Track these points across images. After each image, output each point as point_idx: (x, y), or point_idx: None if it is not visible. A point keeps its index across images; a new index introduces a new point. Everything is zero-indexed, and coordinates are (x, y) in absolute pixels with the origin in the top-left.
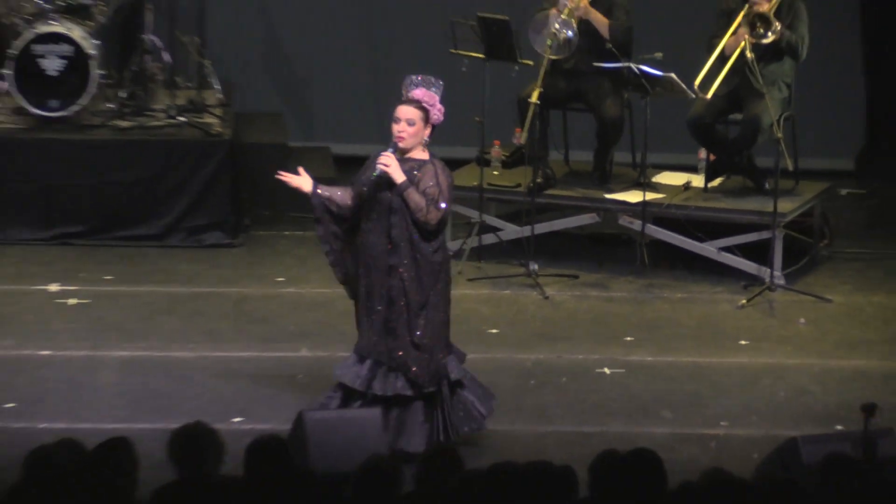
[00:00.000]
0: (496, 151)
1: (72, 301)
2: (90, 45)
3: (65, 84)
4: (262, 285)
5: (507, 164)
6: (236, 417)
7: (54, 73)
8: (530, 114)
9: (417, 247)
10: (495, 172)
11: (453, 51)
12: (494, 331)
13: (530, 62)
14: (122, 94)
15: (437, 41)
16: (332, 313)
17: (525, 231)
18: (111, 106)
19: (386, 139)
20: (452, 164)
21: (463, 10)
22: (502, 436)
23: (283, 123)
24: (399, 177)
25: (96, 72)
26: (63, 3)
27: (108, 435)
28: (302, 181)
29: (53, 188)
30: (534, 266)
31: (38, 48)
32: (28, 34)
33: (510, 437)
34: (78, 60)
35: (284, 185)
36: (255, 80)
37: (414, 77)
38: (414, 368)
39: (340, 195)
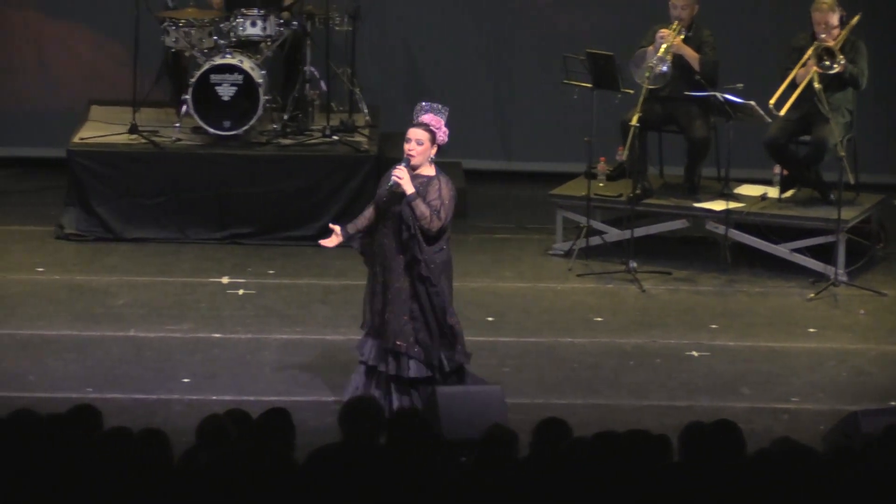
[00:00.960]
0: (602, 166)
1: (240, 291)
2: (258, 75)
3: (236, 108)
4: None
5: (611, 178)
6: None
7: (227, 99)
8: (631, 135)
9: (422, 249)
10: (601, 184)
11: (566, 81)
12: (599, 319)
13: (631, 91)
14: (285, 116)
15: (552, 73)
16: (459, 302)
17: (626, 234)
18: (275, 126)
19: (507, 155)
20: (564, 178)
21: (574, 47)
22: (605, 408)
23: None
24: (409, 188)
25: (263, 97)
26: (235, 40)
27: (270, 406)
28: (337, 240)
29: (226, 195)
30: (633, 264)
31: (214, 77)
32: (206, 65)
33: (612, 409)
34: (248, 88)
35: None
36: (397, 104)
37: (424, 104)
38: (416, 350)
39: (368, 216)
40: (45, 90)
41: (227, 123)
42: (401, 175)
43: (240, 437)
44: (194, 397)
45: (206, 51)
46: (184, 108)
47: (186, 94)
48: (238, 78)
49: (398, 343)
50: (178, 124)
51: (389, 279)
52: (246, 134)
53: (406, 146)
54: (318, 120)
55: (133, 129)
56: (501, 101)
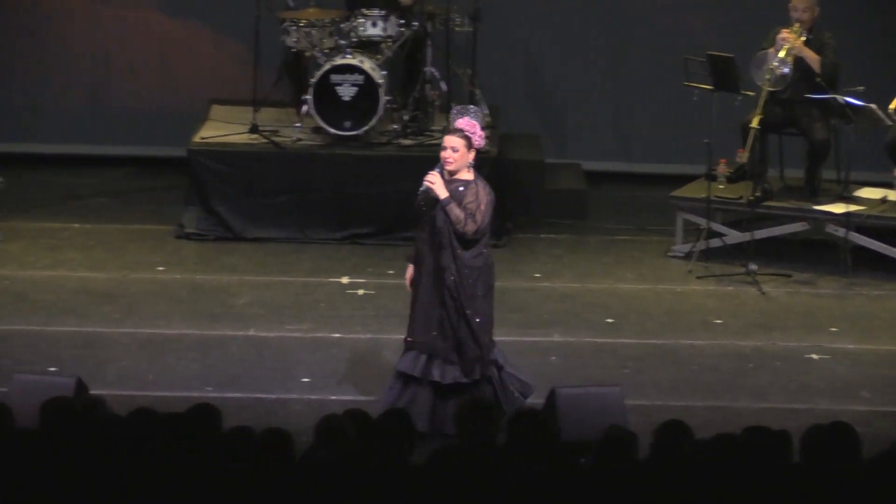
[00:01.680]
0: (722, 168)
1: (360, 291)
2: (379, 76)
3: (357, 108)
4: (521, 279)
5: (731, 180)
6: None
7: (348, 99)
8: (751, 137)
9: (457, 254)
10: (721, 186)
11: (686, 83)
12: (719, 321)
13: (751, 93)
14: (405, 116)
15: (673, 74)
16: (579, 304)
17: (746, 236)
18: (395, 127)
19: (628, 156)
20: (685, 180)
21: (695, 48)
22: (724, 411)
23: (539, 143)
24: (442, 193)
25: (384, 98)
26: (356, 40)
27: (394, 406)
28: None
29: (346, 196)
30: (753, 266)
31: (335, 77)
32: (326, 66)
33: (732, 411)
34: (368, 88)
35: (542, 195)
36: (517, 105)
37: (458, 108)
38: (468, 358)
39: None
40: (165, 90)
41: (347, 123)
42: (433, 180)
43: (359, 438)
44: (313, 397)
45: (326, 51)
46: (304, 107)
47: (307, 94)
48: (359, 78)
49: (431, 343)
50: (298, 124)
51: (427, 283)
52: (366, 134)
53: (442, 154)
54: (438, 120)
55: (253, 129)
56: (621, 103)
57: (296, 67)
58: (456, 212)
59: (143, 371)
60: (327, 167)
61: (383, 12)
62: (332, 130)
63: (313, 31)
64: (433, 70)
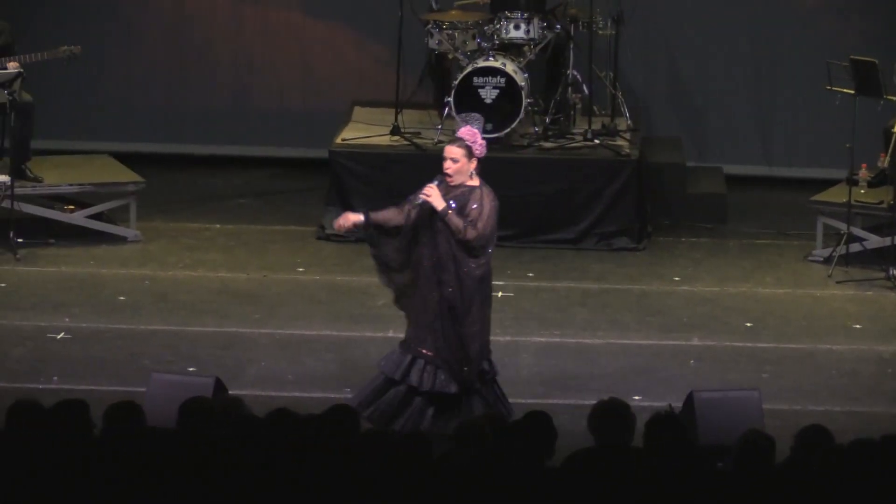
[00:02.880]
0: (863, 173)
1: (499, 294)
2: (521, 78)
3: (498, 110)
4: (660, 283)
5: (872, 184)
6: (636, 396)
7: (490, 101)
8: (893, 142)
9: (460, 263)
10: (862, 191)
11: (828, 87)
12: (858, 326)
13: (894, 98)
14: (547, 119)
15: (815, 78)
16: (718, 308)
17: (886, 241)
18: (537, 129)
19: (768, 160)
20: (825, 184)
21: (838, 53)
22: (863, 416)
23: (681, 146)
24: (439, 204)
25: (525, 100)
26: (498, 42)
27: (528, 409)
28: (354, 217)
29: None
30: (893, 271)
31: (477, 80)
32: (469, 67)
33: (870, 417)
34: (510, 90)
35: (683, 198)
36: (659, 108)
37: (463, 115)
38: (465, 369)
39: (394, 213)
40: (308, 91)
41: (488, 126)
42: (429, 192)
43: (497, 440)
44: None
45: (469, 53)
46: (446, 110)
47: (449, 96)
48: (501, 81)
49: (424, 351)
50: (439, 126)
51: (427, 293)
52: (507, 137)
53: (444, 165)
54: (579, 123)
55: (395, 131)
56: (763, 106)
57: (438, 69)
58: (455, 221)
59: (282, 371)
60: None
61: (526, 15)
62: None
63: (456, 34)
64: (575, 73)
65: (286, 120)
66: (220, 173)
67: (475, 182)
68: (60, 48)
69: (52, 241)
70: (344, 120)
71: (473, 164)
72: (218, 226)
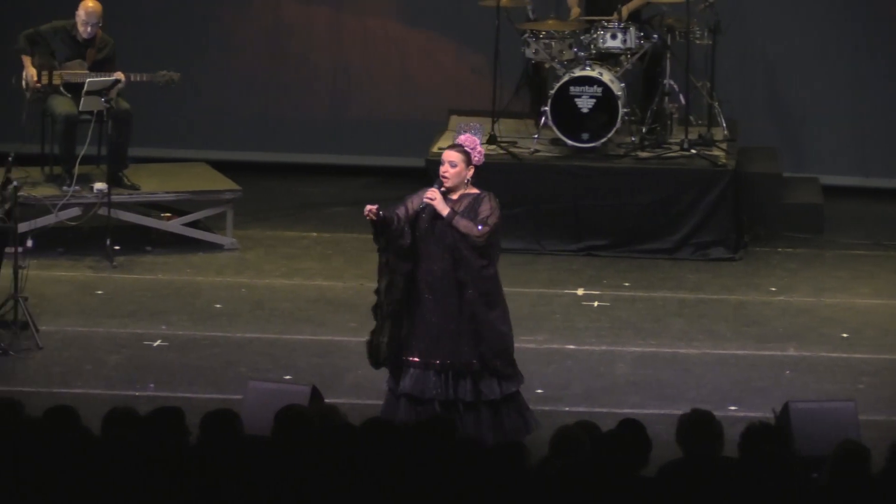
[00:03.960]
0: None
1: (595, 303)
2: (617, 88)
3: (594, 120)
4: (757, 293)
5: None
6: (732, 406)
7: (586, 111)
8: None
9: (470, 265)
10: None
11: None
12: None
13: None
14: (643, 129)
15: None
16: (814, 318)
17: None
18: (633, 139)
19: (865, 171)
20: None
21: None
22: None
23: (777, 156)
24: (444, 209)
25: (622, 110)
26: (595, 52)
27: (623, 418)
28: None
29: (583, 207)
30: None
31: (574, 89)
32: (565, 77)
33: None
34: (607, 100)
35: (779, 208)
36: (756, 118)
37: (462, 124)
38: (490, 371)
39: (402, 217)
40: (405, 100)
41: (585, 135)
42: (433, 196)
43: (593, 449)
44: (547, 408)
45: (565, 62)
46: (543, 119)
47: (545, 105)
48: (597, 90)
49: (473, 362)
50: (536, 135)
51: (441, 299)
52: (604, 146)
53: (441, 168)
54: (676, 133)
55: (492, 140)
56: (860, 117)
57: (535, 79)
58: (463, 223)
59: (379, 380)
60: (564, 179)
61: (623, 25)
62: (570, 142)
63: (553, 43)
64: (672, 82)
65: (383, 129)
66: (316, 182)
67: (474, 190)
68: (160, 73)
69: (148, 248)
70: (440, 129)
71: (471, 171)
72: (314, 234)
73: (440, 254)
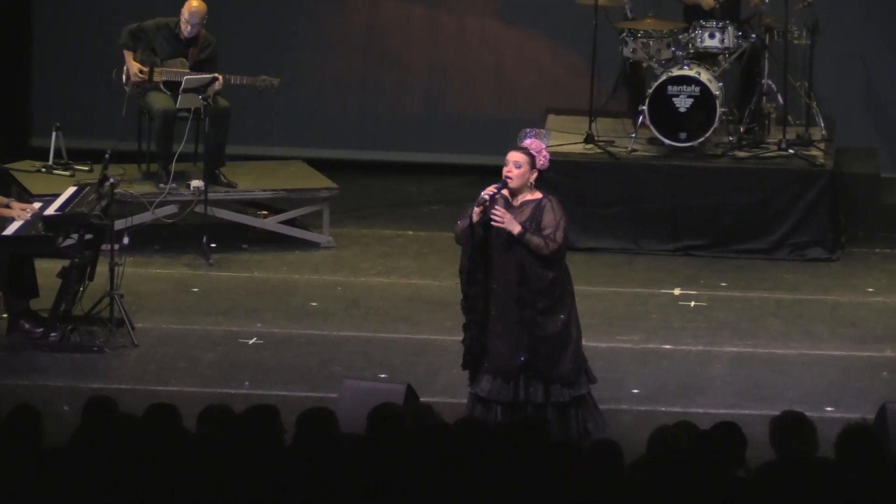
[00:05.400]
0: None
1: (692, 303)
2: (715, 87)
3: (692, 119)
4: (854, 294)
5: None
6: (828, 407)
7: (684, 110)
8: None
9: (538, 274)
10: None
11: None
12: None
13: None
14: (741, 128)
15: None
16: None
17: None
18: (731, 139)
19: None
20: None
21: None
22: None
23: (876, 156)
24: (514, 228)
25: (720, 109)
26: (693, 51)
27: (718, 419)
28: (513, 224)
29: (680, 207)
30: None
31: (672, 88)
32: (663, 76)
33: None
34: (705, 99)
35: (877, 209)
36: (854, 118)
37: (527, 130)
38: (561, 371)
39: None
40: (501, 98)
41: (682, 135)
42: (500, 219)
43: (689, 450)
44: (643, 408)
45: (663, 62)
46: (640, 118)
47: (643, 104)
48: (695, 90)
49: (565, 371)
50: (633, 135)
51: (509, 310)
52: (701, 146)
53: (504, 170)
54: (773, 133)
55: (589, 139)
56: None
57: (632, 78)
58: (535, 241)
59: None
60: (662, 178)
61: (721, 24)
62: (668, 141)
63: (651, 42)
64: (770, 82)
65: (479, 127)
66: (413, 180)
67: (537, 194)
68: (260, 77)
69: (244, 246)
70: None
71: (534, 175)
72: (411, 233)
73: (508, 264)
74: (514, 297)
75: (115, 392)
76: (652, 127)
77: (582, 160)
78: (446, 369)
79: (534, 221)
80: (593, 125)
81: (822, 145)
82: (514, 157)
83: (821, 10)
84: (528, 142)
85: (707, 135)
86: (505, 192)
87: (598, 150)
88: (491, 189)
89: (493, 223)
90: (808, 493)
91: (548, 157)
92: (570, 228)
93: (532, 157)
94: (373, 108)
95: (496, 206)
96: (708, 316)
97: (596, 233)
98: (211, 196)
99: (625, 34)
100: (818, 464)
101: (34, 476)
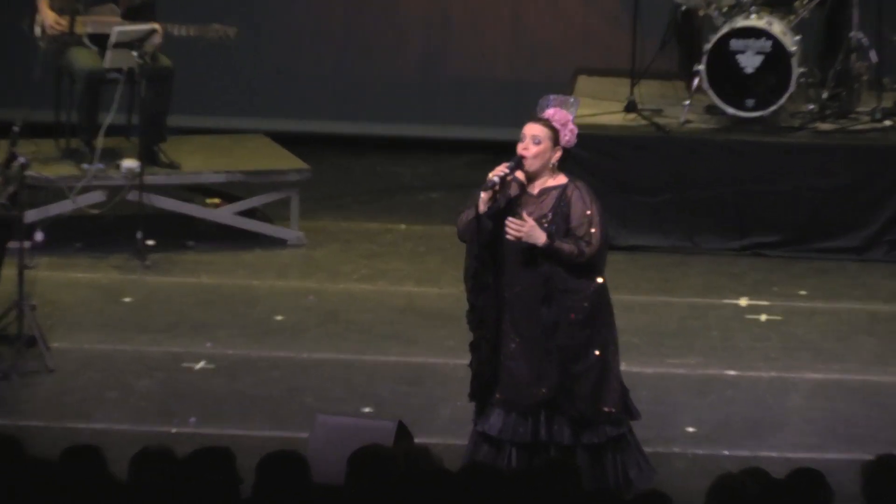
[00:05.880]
0: None
1: (763, 317)
2: (791, 41)
3: (762, 82)
4: None
5: None
6: None
7: (751, 71)
8: None
9: (572, 287)
10: None
11: None
12: None
13: None
14: (824, 94)
15: None
16: None
17: None
18: (811, 107)
19: None
20: None
21: None
22: None
23: None
24: (540, 238)
25: (796, 70)
26: None
27: (797, 465)
28: (538, 233)
29: (747, 194)
30: None
31: (735, 43)
32: (725, 28)
33: None
34: (777, 57)
35: None
36: None
37: (550, 96)
38: (582, 407)
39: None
40: (519, 57)
41: (749, 102)
42: (518, 233)
43: (760, 500)
44: (700, 451)
45: (725, 9)
46: (695, 81)
47: (699, 63)
48: (765, 45)
49: (606, 409)
50: (687, 102)
51: (530, 327)
52: (773, 116)
53: (519, 146)
54: (865, 100)
55: (630, 107)
56: None
57: (685, 30)
58: (566, 248)
59: None
60: (723, 157)
61: None
62: (731, 110)
63: None
64: (860, 36)
65: (491, 93)
66: (405, 160)
67: (561, 179)
68: (212, 26)
69: (190, 243)
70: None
71: (557, 154)
72: (403, 226)
73: (532, 280)
74: (537, 316)
75: (23, 430)
76: (711, 92)
77: (621, 134)
78: (448, 401)
79: (558, 215)
80: (635, 90)
81: None
82: (532, 130)
83: None
84: (550, 112)
85: (780, 102)
86: (519, 174)
87: (642, 122)
88: (501, 168)
89: (509, 236)
90: None
91: (575, 130)
92: (607, 222)
93: (555, 131)
94: (354, 69)
95: (510, 219)
96: (783, 333)
97: (639, 227)
98: (148, 179)
99: None
100: None
101: None
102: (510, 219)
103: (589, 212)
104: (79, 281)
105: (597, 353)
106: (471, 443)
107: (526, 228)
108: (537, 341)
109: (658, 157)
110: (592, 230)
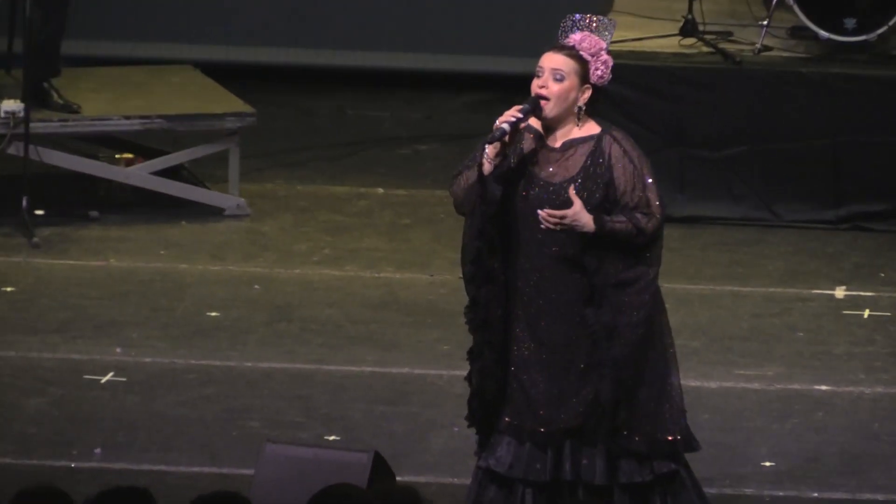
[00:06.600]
0: None
1: (865, 313)
2: None
3: None
4: None
5: None
6: None
7: None
8: None
9: (629, 278)
10: None
11: None
12: None
13: None
14: None
15: None
16: None
17: None
18: None
19: None
20: None
21: None
22: None
23: None
24: (588, 224)
25: None
26: None
27: None
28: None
29: (843, 148)
30: None
31: None
32: None
33: None
34: None
35: None
36: None
37: (577, 16)
38: (637, 438)
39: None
40: None
41: (849, 22)
42: (557, 219)
43: None
44: (781, 493)
45: None
46: None
47: None
48: None
49: (670, 438)
50: (765, 23)
51: (557, 340)
52: (882, 41)
53: (535, 83)
54: None
55: (689, 29)
56: None
57: None
58: (619, 227)
59: None
60: (814, 97)
61: None
62: (824, 34)
63: None
64: None
65: (496, 16)
66: (379, 101)
67: (592, 128)
68: None
69: (94, 214)
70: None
71: (586, 94)
72: (381, 191)
73: (570, 272)
74: (569, 318)
75: None
76: (797, 8)
77: (675, 66)
78: (442, 427)
79: (590, 178)
80: (694, 6)
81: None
82: (552, 62)
83: None
84: (577, 37)
85: (891, 23)
86: (534, 121)
87: (705, 49)
88: (512, 113)
89: (545, 226)
90: None
91: (610, 62)
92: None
93: (583, 64)
94: None
95: (546, 211)
96: (893, 335)
97: (701, 190)
98: (35, 127)
99: None
100: None
101: None
102: (547, 211)
103: (637, 169)
104: None
105: (656, 363)
106: (474, 482)
107: (571, 213)
108: (563, 351)
109: (726, 96)
110: (650, 195)
